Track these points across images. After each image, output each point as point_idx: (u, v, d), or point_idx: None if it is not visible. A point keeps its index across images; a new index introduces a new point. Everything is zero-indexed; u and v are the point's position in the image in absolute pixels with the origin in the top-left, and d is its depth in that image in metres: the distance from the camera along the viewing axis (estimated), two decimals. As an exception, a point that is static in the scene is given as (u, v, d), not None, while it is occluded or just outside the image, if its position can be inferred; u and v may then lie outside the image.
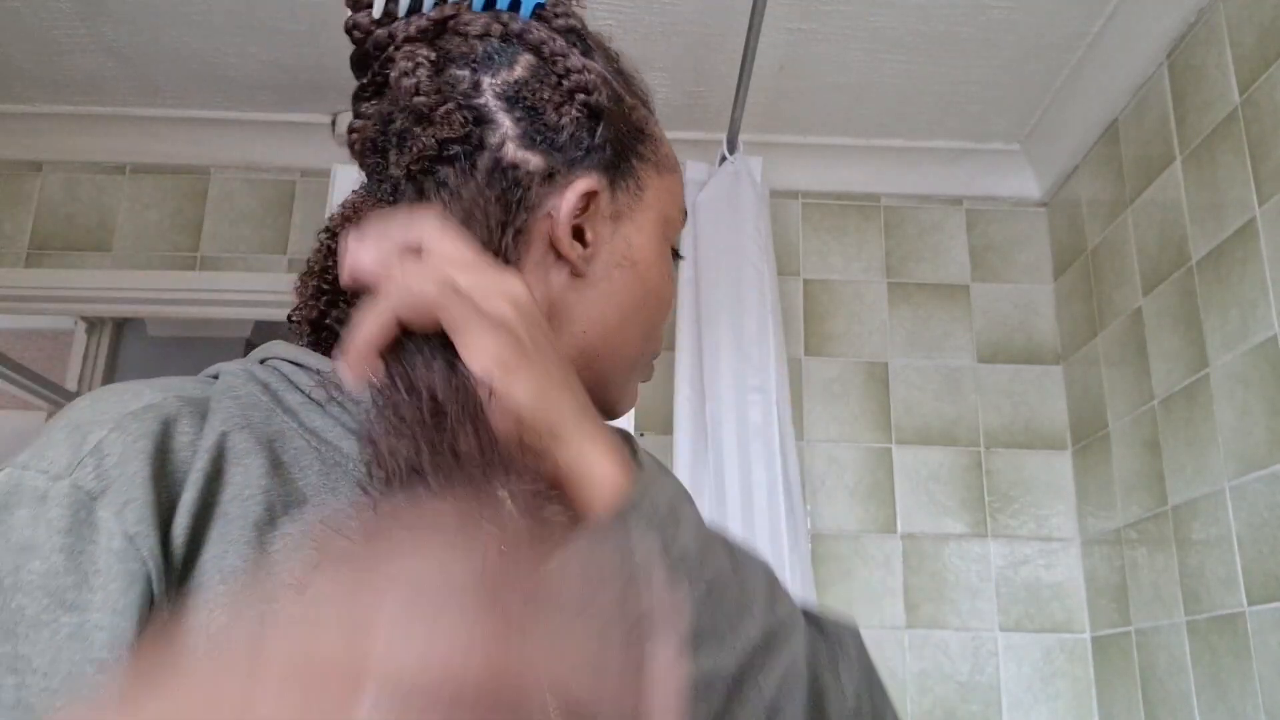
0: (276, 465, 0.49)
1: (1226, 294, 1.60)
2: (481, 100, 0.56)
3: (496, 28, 0.58)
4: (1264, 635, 1.47)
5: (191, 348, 3.23)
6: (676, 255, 0.65)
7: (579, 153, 0.58)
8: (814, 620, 0.56)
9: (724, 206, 2.05)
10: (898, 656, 2.04)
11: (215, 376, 0.54)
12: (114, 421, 0.47)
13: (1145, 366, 1.84)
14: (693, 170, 2.13)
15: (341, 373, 0.47)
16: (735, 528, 1.84)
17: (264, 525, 0.47)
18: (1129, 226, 1.93)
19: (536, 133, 0.57)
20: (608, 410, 0.63)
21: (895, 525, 2.12)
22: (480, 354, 0.45)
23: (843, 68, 2.05)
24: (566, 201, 0.57)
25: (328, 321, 0.59)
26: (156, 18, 1.97)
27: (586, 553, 0.43)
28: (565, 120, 0.57)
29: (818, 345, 2.23)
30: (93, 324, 3.12)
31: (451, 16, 0.58)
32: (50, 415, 3.07)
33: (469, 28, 0.58)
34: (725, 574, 0.50)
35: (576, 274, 0.58)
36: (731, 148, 2.08)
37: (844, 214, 2.33)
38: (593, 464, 0.47)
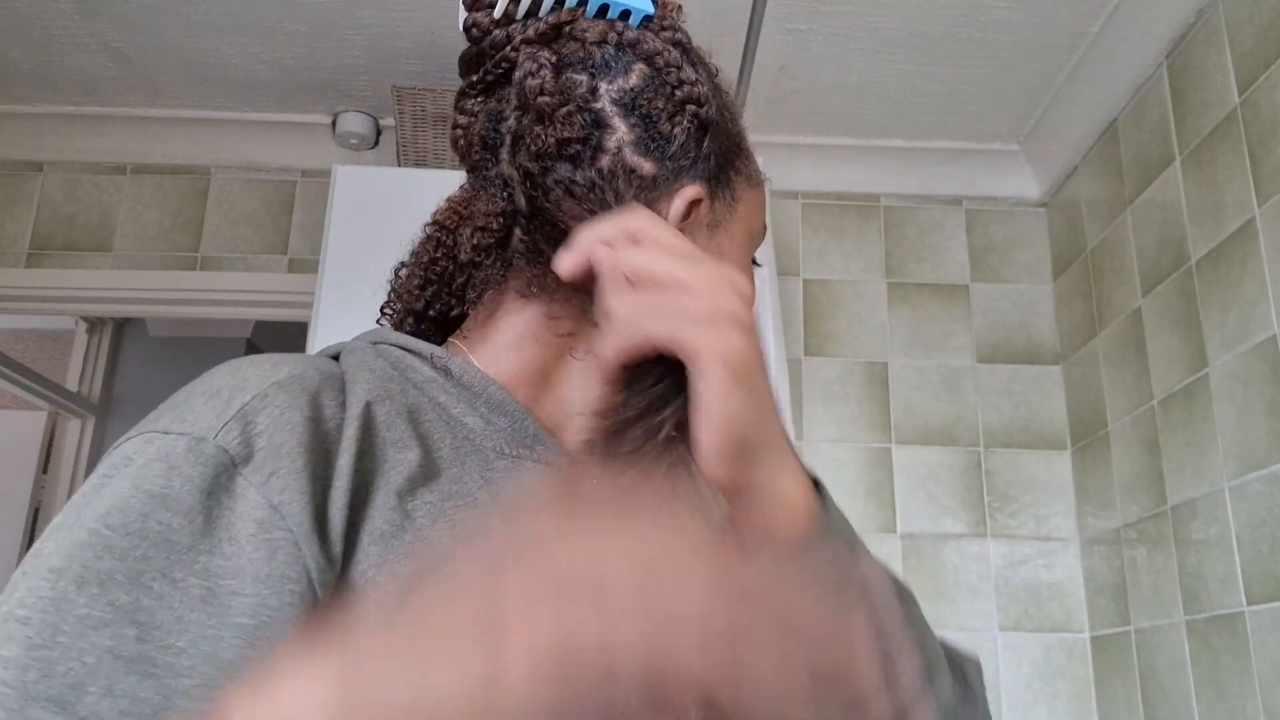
0: (418, 436, 0.51)
1: (1226, 294, 1.60)
2: (600, 105, 0.58)
3: (612, 35, 0.59)
4: (1263, 635, 1.47)
5: (191, 348, 3.23)
6: (755, 264, 0.66)
7: (686, 162, 0.59)
8: (949, 653, 0.58)
9: (724, 206, 2.05)
10: (897, 656, 2.04)
11: (334, 356, 0.55)
12: (258, 389, 0.46)
13: (1145, 366, 1.84)
14: (692, 170, 2.13)
15: (599, 350, 0.49)
16: (735, 527, 1.84)
17: (404, 493, 0.48)
18: (1128, 226, 1.93)
19: (650, 140, 0.59)
20: None
21: (895, 525, 2.12)
22: (710, 354, 0.45)
23: (843, 68, 2.05)
24: (674, 208, 0.58)
25: (431, 313, 0.62)
26: (156, 18, 1.97)
27: (788, 560, 0.41)
28: (677, 130, 0.59)
29: (818, 345, 2.23)
30: (93, 324, 3.13)
31: (568, 23, 0.60)
32: (50, 415, 3.08)
33: (586, 34, 0.59)
34: (894, 607, 0.51)
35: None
36: (731, 148, 2.08)
37: (844, 214, 2.33)
38: (788, 486, 0.48)
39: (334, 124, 2.27)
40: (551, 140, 0.57)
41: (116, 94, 2.25)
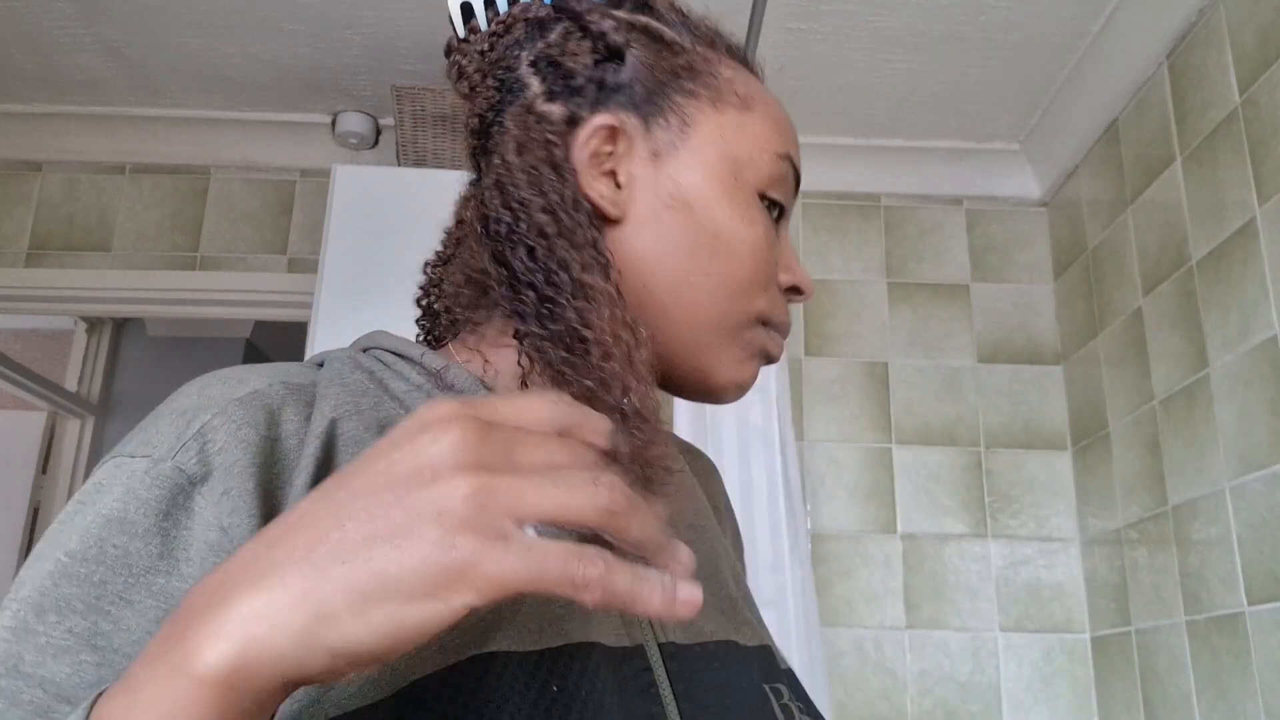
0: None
1: (1227, 294, 1.60)
2: (517, 71, 0.58)
3: (545, 10, 0.59)
4: (1264, 635, 1.47)
5: (191, 348, 3.23)
6: (773, 203, 0.59)
7: (598, 94, 0.58)
8: None
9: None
10: (898, 656, 2.04)
11: (320, 364, 0.54)
12: (219, 407, 0.46)
13: (1145, 366, 1.84)
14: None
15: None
16: (735, 528, 1.84)
17: None
18: (1129, 226, 1.93)
19: (557, 84, 0.58)
20: (700, 380, 0.58)
21: (895, 525, 2.12)
22: None
23: (843, 68, 2.05)
24: (579, 139, 0.56)
25: (435, 307, 0.63)
26: (156, 18, 1.97)
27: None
28: (580, 65, 0.58)
29: (818, 345, 2.23)
30: (93, 324, 3.12)
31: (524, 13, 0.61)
32: (50, 415, 3.07)
33: (528, 13, 0.60)
34: None
35: (612, 218, 0.56)
36: (731, 148, 2.07)
37: (844, 214, 2.33)
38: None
39: (334, 124, 2.26)
40: (475, 118, 0.59)
41: (116, 94, 2.25)
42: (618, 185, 0.57)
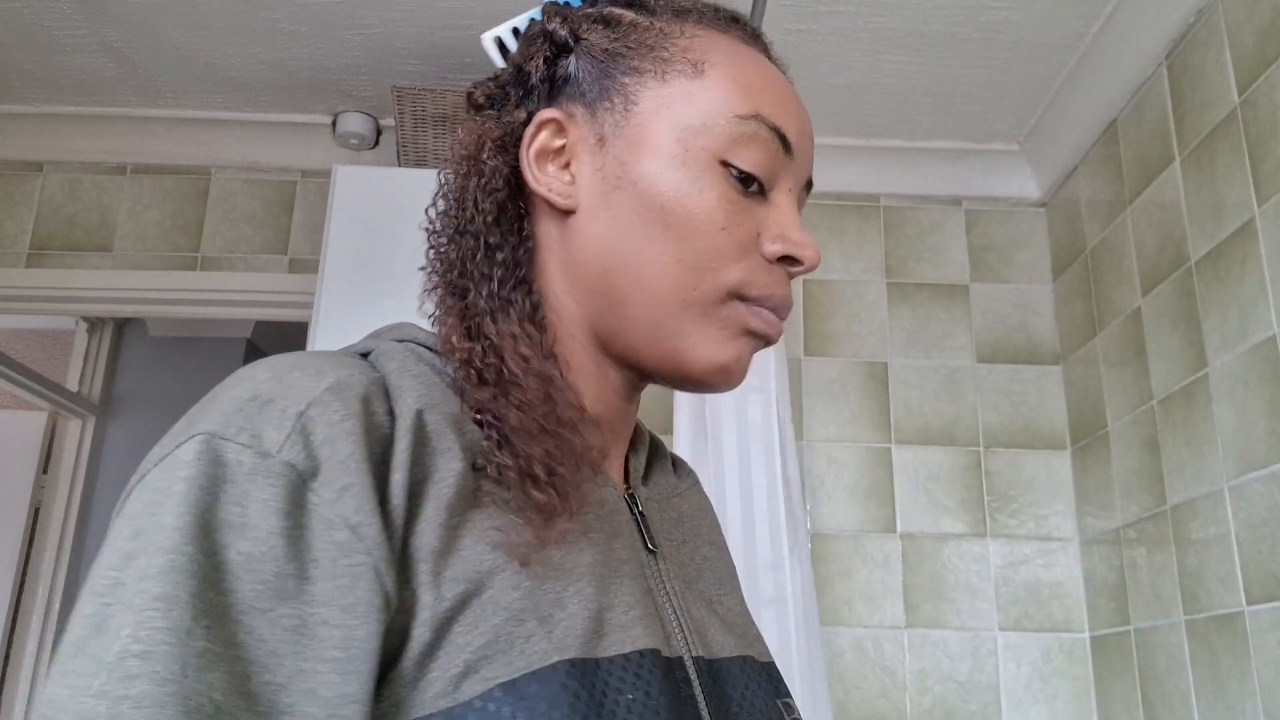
0: (463, 449, 0.49)
1: (1226, 294, 1.60)
2: (502, 88, 0.62)
3: (535, 25, 0.61)
4: (1263, 635, 1.47)
5: (192, 348, 3.23)
6: (730, 167, 0.55)
7: (551, 89, 0.59)
8: None
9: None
10: (897, 656, 2.04)
11: (364, 354, 0.53)
12: (310, 398, 0.44)
13: (1144, 366, 1.84)
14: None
15: None
16: (735, 527, 1.85)
17: (454, 508, 0.46)
18: (1128, 226, 1.93)
19: (519, 90, 0.60)
20: (676, 366, 0.56)
21: (895, 525, 2.12)
22: None
23: (842, 68, 2.05)
24: (525, 137, 0.57)
25: None
26: (156, 18, 1.97)
27: None
28: (535, 66, 0.59)
29: (818, 345, 2.23)
30: (93, 324, 3.13)
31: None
32: (50, 415, 3.07)
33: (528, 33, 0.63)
34: None
35: (565, 210, 0.57)
36: (731, 148, 2.08)
37: (844, 214, 2.33)
38: None
39: (334, 124, 2.27)
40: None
41: (116, 94, 2.25)
42: (572, 177, 0.57)
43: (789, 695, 0.61)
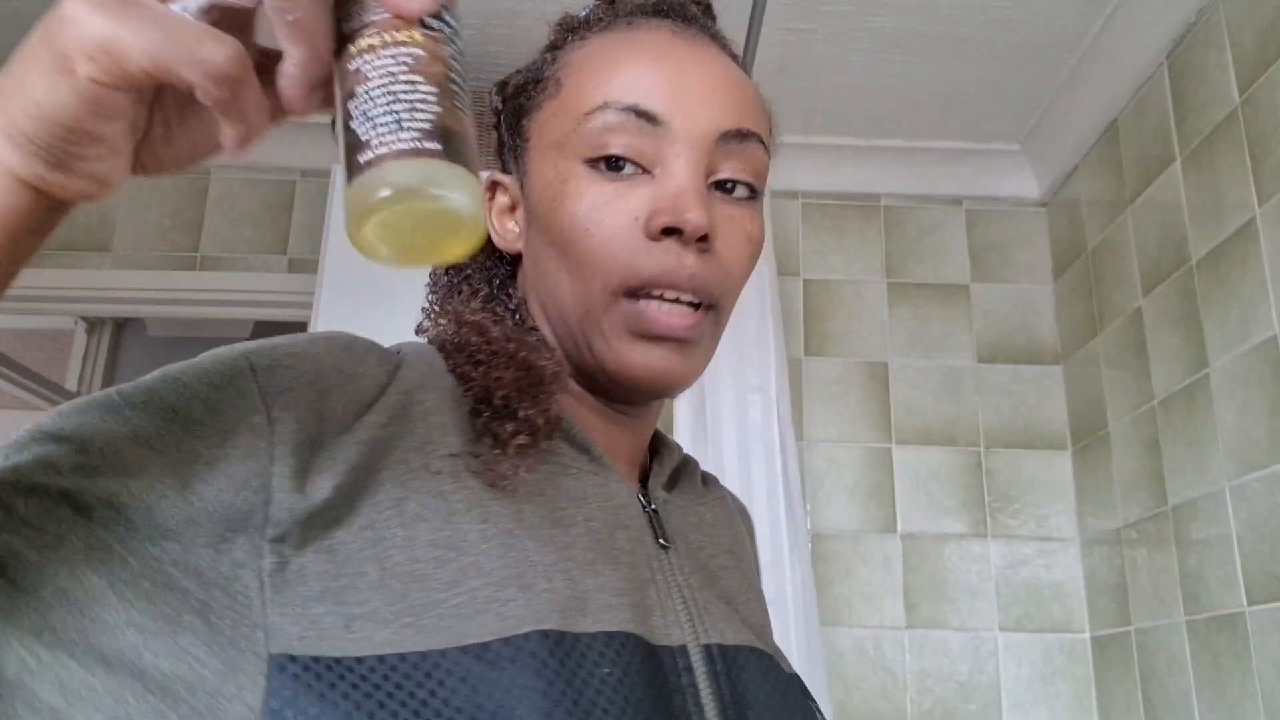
0: (460, 428, 0.52)
1: (1226, 294, 1.60)
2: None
3: None
4: (1264, 635, 1.47)
5: (191, 348, 3.19)
6: (596, 163, 0.56)
7: (502, 153, 0.66)
8: None
9: (724, 206, 2.05)
10: (898, 656, 2.04)
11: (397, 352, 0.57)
12: (310, 337, 0.52)
13: (1145, 366, 1.84)
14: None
15: None
16: (735, 528, 1.85)
17: (441, 473, 0.50)
18: (1129, 226, 1.93)
19: (494, 158, 0.67)
20: (604, 376, 0.57)
21: (895, 525, 2.12)
22: None
23: (843, 68, 2.05)
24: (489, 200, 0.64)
25: None
26: (156, 18, 1.96)
27: None
28: (498, 136, 0.66)
29: (818, 345, 2.23)
30: (93, 324, 3.12)
31: None
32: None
33: None
34: None
35: (515, 254, 0.63)
36: (731, 148, 2.07)
37: (844, 214, 2.33)
38: None
39: (334, 124, 2.26)
40: None
41: (116, 94, 2.24)
42: (518, 226, 0.63)
43: (815, 701, 0.61)
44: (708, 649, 0.53)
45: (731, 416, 1.92)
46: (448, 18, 0.38)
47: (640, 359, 0.55)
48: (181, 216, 2.33)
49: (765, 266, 2.02)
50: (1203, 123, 1.68)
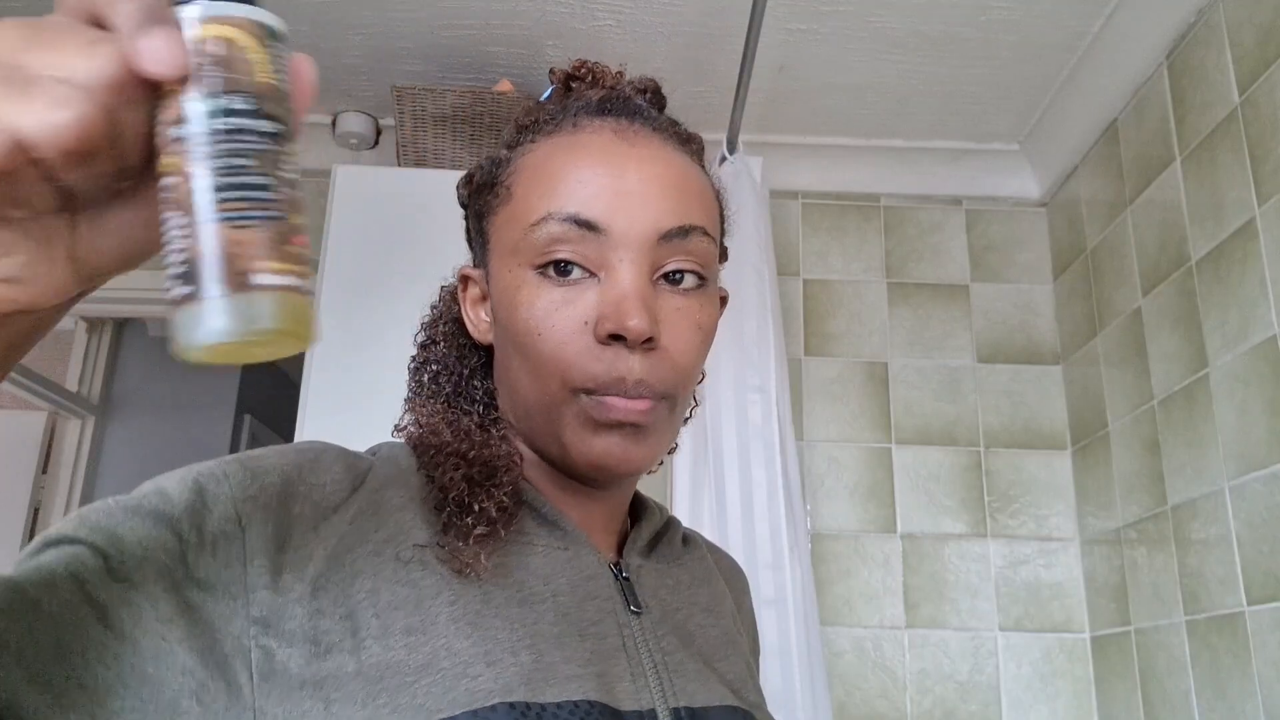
0: (427, 523, 0.56)
1: (1226, 294, 1.60)
2: None
3: None
4: (1263, 635, 1.47)
5: (191, 348, 3.22)
6: (544, 270, 0.59)
7: (473, 248, 0.68)
8: None
9: (724, 206, 2.05)
10: (898, 656, 2.04)
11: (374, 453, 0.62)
12: (281, 449, 0.57)
13: (1145, 366, 1.84)
14: (693, 170, 2.12)
15: None
16: (735, 528, 1.85)
17: (413, 564, 0.54)
18: (1128, 226, 1.93)
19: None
20: (565, 464, 0.61)
21: (895, 525, 2.12)
22: None
23: (843, 68, 2.05)
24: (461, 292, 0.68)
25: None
26: (157, 18, 1.96)
27: None
28: (468, 230, 0.69)
29: (818, 345, 2.23)
30: (93, 324, 3.12)
31: None
32: (50, 415, 3.08)
33: None
34: None
35: (486, 345, 0.67)
36: (731, 148, 2.08)
37: (844, 214, 2.33)
38: None
39: (334, 124, 2.26)
40: None
41: (116, 94, 2.25)
42: (490, 317, 0.66)
43: None
44: (676, 712, 0.56)
45: (731, 416, 1.92)
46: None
47: (600, 447, 0.58)
48: (182, 216, 2.32)
49: (765, 267, 2.02)
50: (1203, 123, 1.68)
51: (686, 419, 0.68)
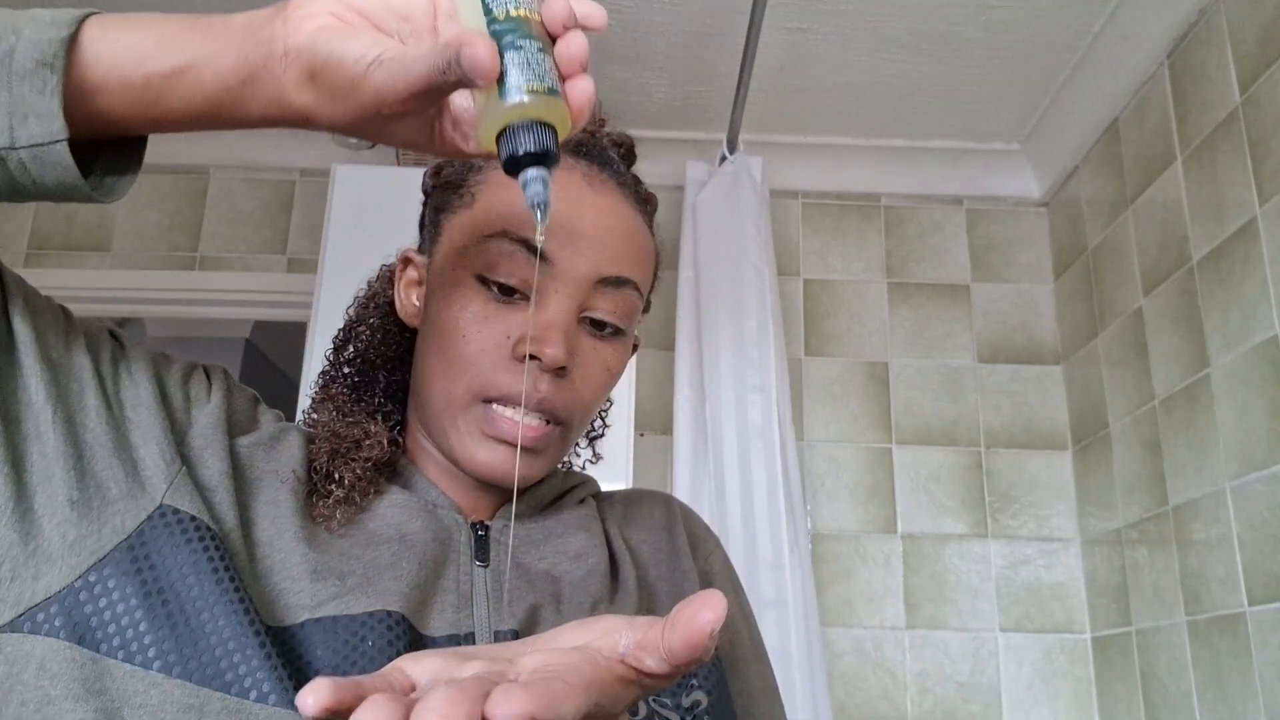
0: (304, 477, 0.64)
1: (1227, 294, 1.59)
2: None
3: None
4: (1264, 635, 1.47)
5: (191, 348, 3.23)
6: (488, 282, 0.63)
7: (422, 234, 0.73)
8: None
9: (724, 207, 2.05)
10: (898, 657, 2.04)
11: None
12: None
13: (1145, 366, 1.84)
14: (692, 170, 2.12)
15: None
16: (735, 528, 1.84)
17: (285, 488, 0.61)
18: (1129, 226, 1.93)
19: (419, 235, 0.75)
20: (453, 460, 0.66)
21: (895, 525, 2.11)
22: None
23: (843, 68, 2.05)
24: (397, 273, 0.73)
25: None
26: (156, 17, 1.96)
27: None
28: (421, 216, 0.74)
29: (818, 345, 2.23)
30: (92, 324, 3.12)
31: None
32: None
33: None
34: None
35: (413, 327, 0.71)
36: (731, 148, 2.07)
37: (844, 214, 2.33)
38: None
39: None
40: None
41: (115, 93, 2.24)
42: (420, 301, 0.70)
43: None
44: (499, 634, 0.59)
45: (731, 416, 1.91)
46: None
47: (485, 457, 0.63)
48: (181, 216, 2.33)
49: (765, 267, 2.02)
50: (1203, 122, 1.68)
51: (596, 437, 0.79)
